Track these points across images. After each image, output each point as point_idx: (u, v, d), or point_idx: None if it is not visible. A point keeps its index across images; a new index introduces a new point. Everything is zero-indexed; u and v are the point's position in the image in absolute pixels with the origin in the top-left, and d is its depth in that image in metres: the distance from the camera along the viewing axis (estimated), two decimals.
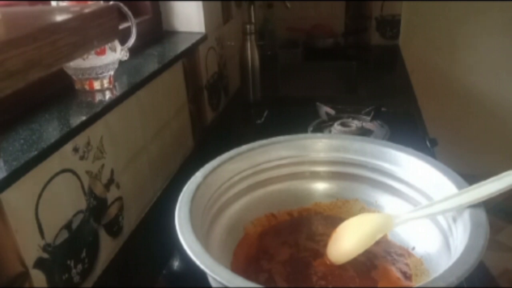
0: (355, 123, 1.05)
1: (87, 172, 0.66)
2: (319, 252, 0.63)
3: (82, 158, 0.65)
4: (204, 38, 1.13)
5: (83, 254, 0.65)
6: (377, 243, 0.60)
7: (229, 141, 0.73)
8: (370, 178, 0.70)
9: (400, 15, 1.86)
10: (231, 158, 0.67)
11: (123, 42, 0.80)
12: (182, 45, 1.04)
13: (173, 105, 0.99)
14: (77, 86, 0.76)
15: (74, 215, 0.63)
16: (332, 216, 0.70)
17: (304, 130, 1.06)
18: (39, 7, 0.71)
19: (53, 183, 0.58)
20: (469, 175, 0.58)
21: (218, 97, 1.29)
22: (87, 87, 0.75)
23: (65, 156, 0.61)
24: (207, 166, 0.64)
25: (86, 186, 0.66)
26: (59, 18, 0.43)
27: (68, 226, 0.61)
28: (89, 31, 0.45)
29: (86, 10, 0.46)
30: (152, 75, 0.85)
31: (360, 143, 0.71)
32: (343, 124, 1.05)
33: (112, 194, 0.73)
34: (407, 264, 0.60)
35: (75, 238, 0.63)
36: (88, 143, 0.66)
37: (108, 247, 0.72)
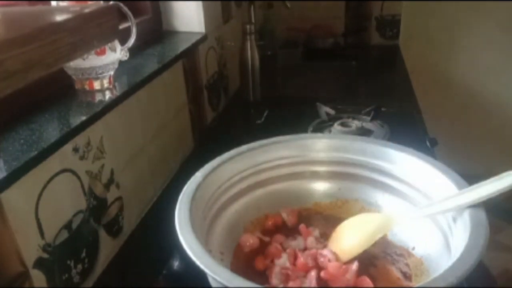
0: (355, 123, 1.05)
1: (87, 172, 0.66)
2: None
3: (82, 158, 0.65)
4: (204, 38, 1.13)
5: (83, 254, 0.65)
6: (377, 243, 0.60)
7: (229, 141, 0.73)
8: (370, 178, 0.70)
9: (400, 15, 1.85)
10: (231, 158, 0.67)
11: (123, 42, 0.80)
12: (182, 45, 1.04)
13: (173, 105, 0.99)
14: (77, 86, 0.76)
15: (74, 215, 0.63)
16: (332, 216, 0.70)
17: (304, 130, 1.06)
18: (39, 7, 0.71)
19: (53, 183, 0.58)
20: (469, 175, 0.58)
21: (218, 97, 1.29)
22: (87, 87, 0.75)
23: (65, 156, 0.61)
24: (207, 166, 0.64)
25: (86, 186, 0.66)
26: (59, 18, 0.43)
27: (68, 226, 0.61)
28: (89, 31, 0.45)
29: (86, 10, 0.46)
30: (152, 75, 0.85)
31: (360, 143, 0.71)
32: (343, 124, 1.05)
33: (112, 194, 0.73)
34: (407, 264, 0.60)
35: (75, 238, 0.63)
36: (88, 143, 0.66)
37: (108, 247, 0.72)
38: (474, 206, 0.52)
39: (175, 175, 0.98)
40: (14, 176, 0.50)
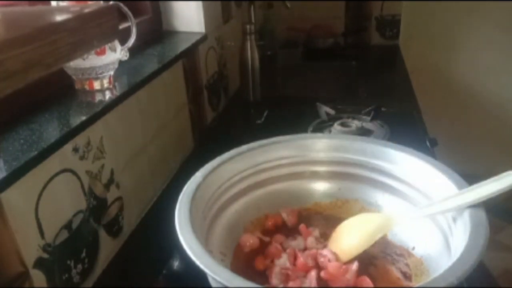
0: (355, 123, 1.05)
1: (87, 172, 0.66)
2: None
3: (82, 158, 0.65)
4: (204, 38, 1.13)
5: (83, 254, 0.65)
6: (377, 243, 0.60)
7: (229, 141, 0.73)
8: (370, 178, 0.70)
9: (400, 15, 1.85)
10: (231, 158, 0.67)
11: (123, 42, 0.80)
12: (182, 45, 1.04)
13: (173, 105, 0.99)
14: (77, 86, 0.76)
15: (74, 215, 0.63)
16: (332, 216, 0.70)
17: (304, 130, 1.06)
18: (39, 7, 0.71)
19: (53, 183, 0.58)
20: (469, 175, 0.58)
21: (218, 97, 1.29)
22: (87, 87, 0.75)
23: (65, 156, 0.61)
24: (207, 166, 0.64)
25: (86, 186, 0.66)
26: (59, 18, 0.43)
27: (68, 226, 0.61)
28: (89, 31, 0.45)
29: (86, 10, 0.46)
30: (152, 75, 0.85)
31: (360, 143, 0.71)
32: (343, 124, 1.05)
33: (112, 194, 0.73)
34: (407, 264, 0.60)
35: (75, 238, 0.63)
36: (88, 143, 0.66)
37: (108, 247, 0.72)
38: (474, 206, 0.52)
39: (175, 175, 0.98)
40: (14, 176, 0.50)
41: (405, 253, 0.62)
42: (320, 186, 0.73)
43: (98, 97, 0.73)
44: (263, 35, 1.77)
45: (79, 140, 0.64)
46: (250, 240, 0.64)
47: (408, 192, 0.66)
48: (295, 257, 0.60)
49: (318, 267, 0.58)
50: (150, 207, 0.88)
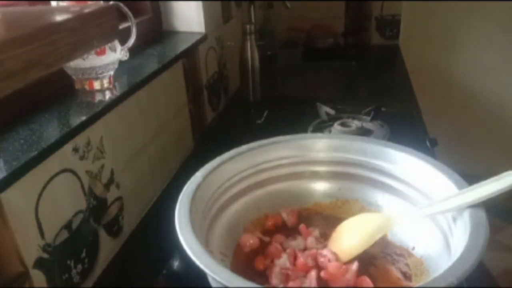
0: (355, 123, 1.05)
1: (87, 172, 0.66)
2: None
3: (82, 158, 0.65)
4: (204, 38, 1.13)
5: (83, 254, 0.65)
6: (377, 243, 0.60)
7: (229, 141, 0.73)
8: (370, 178, 0.70)
9: (400, 15, 1.85)
10: (231, 158, 0.67)
11: (123, 42, 0.80)
12: (182, 45, 1.04)
13: (173, 105, 0.99)
14: (77, 86, 0.76)
15: (74, 215, 0.63)
16: (332, 216, 0.70)
17: (304, 130, 1.06)
18: (39, 7, 0.71)
19: (53, 183, 0.58)
20: (469, 175, 0.58)
21: (218, 97, 1.29)
22: (87, 87, 0.75)
23: (65, 156, 0.61)
24: (207, 166, 0.64)
25: (86, 186, 0.66)
26: (59, 18, 0.43)
27: (68, 226, 0.61)
28: (89, 31, 0.45)
29: (86, 10, 0.46)
30: (152, 75, 0.85)
31: (360, 143, 0.71)
32: (343, 124, 1.05)
33: (112, 194, 0.73)
34: (407, 264, 0.60)
35: (75, 238, 0.63)
36: (88, 143, 0.66)
37: (108, 247, 0.72)
38: (474, 206, 0.52)
39: (175, 175, 0.98)
40: (14, 176, 0.50)
41: (405, 253, 0.62)
42: (320, 186, 0.73)
43: (98, 97, 0.73)
44: (263, 35, 1.77)
45: (79, 140, 0.64)
46: (250, 240, 0.64)
47: (408, 192, 0.66)
48: (295, 257, 0.60)
49: (318, 267, 0.58)
50: (150, 207, 0.88)
